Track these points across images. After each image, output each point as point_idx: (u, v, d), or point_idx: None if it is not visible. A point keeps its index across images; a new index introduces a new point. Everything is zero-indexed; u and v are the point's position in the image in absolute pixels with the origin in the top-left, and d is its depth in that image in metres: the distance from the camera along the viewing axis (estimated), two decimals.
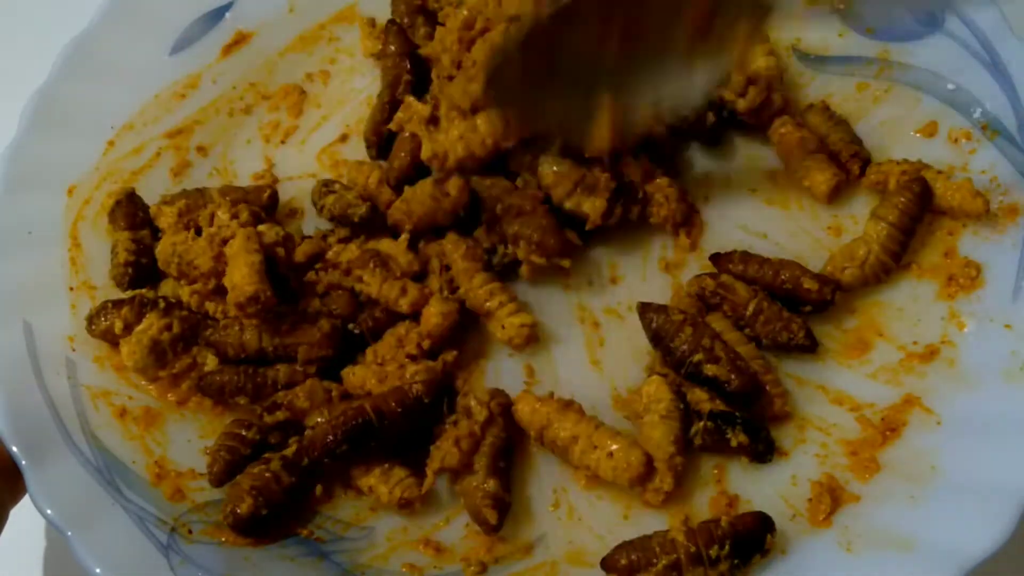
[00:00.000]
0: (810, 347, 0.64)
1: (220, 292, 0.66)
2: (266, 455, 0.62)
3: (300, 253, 0.68)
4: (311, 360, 0.65)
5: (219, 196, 0.70)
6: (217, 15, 0.79)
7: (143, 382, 0.66)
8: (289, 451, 0.62)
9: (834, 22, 0.76)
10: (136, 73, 0.76)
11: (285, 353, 0.65)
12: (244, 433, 0.62)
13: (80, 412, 0.63)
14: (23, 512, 0.59)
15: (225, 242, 0.66)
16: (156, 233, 0.70)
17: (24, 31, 0.92)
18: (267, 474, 0.60)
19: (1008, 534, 0.54)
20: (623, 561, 0.57)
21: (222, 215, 0.68)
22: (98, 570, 0.56)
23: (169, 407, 0.66)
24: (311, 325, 0.65)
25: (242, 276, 0.63)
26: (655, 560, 0.56)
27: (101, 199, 0.72)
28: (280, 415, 0.63)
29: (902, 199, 0.66)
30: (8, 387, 0.61)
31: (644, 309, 0.64)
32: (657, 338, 0.63)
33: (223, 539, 0.60)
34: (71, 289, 0.68)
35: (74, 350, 0.66)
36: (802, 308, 0.65)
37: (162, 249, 0.68)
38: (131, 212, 0.70)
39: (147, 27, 0.77)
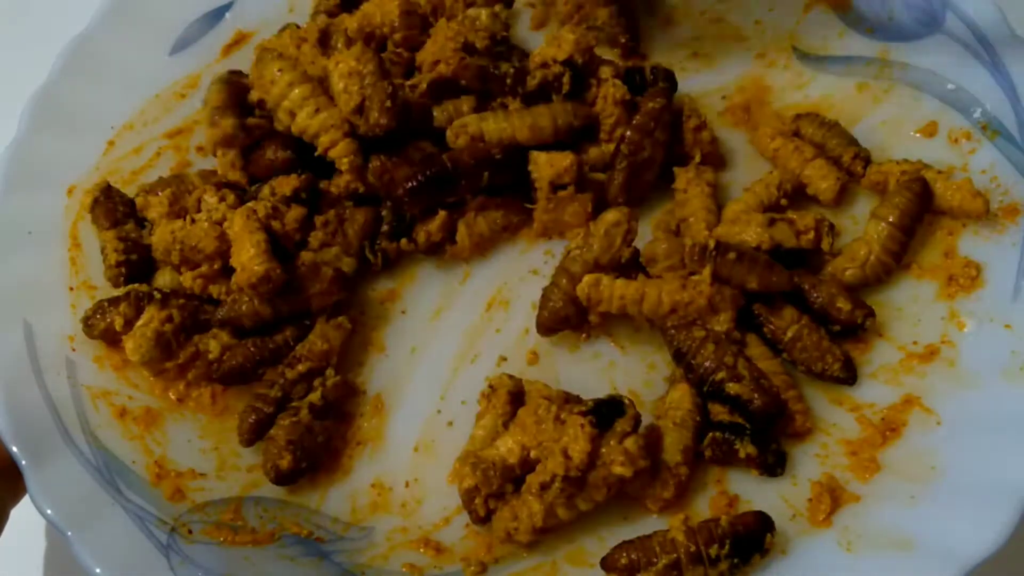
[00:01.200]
0: (847, 380, 0.64)
1: (224, 273, 0.67)
2: (293, 404, 0.64)
3: (291, 220, 0.68)
4: (326, 308, 0.67)
5: (200, 181, 0.71)
6: (217, 15, 0.79)
7: (145, 376, 0.66)
8: (315, 396, 0.64)
9: (834, 22, 0.76)
10: (136, 73, 0.76)
11: (300, 309, 0.66)
12: (267, 392, 0.64)
13: (80, 412, 0.63)
14: (23, 512, 0.59)
15: (219, 224, 0.67)
16: (142, 224, 0.70)
17: (24, 31, 0.92)
18: (299, 425, 0.62)
19: (1008, 534, 0.54)
20: (623, 560, 0.57)
21: (209, 199, 0.68)
22: (98, 570, 0.56)
23: (170, 407, 0.66)
24: (315, 276, 0.66)
25: (250, 257, 0.64)
26: (655, 559, 0.56)
27: None
28: (302, 367, 0.65)
29: (902, 199, 0.66)
30: (8, 387, 0.61)
31: (666, 326, 0.63)
32: (679, 355, 0.63)
33: (223, 539, 0.60)
34: (71, 289, 0.68)
35: (74, 350, 0.66)
36: (831, 327, 0.65)
37: (160, 238, 0.68)
38: (111, 208, 0.70)
39: (147, 27, 0.77)
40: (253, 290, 0.64)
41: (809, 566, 0.57)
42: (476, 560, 0.60)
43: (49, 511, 0.57)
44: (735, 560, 0.56)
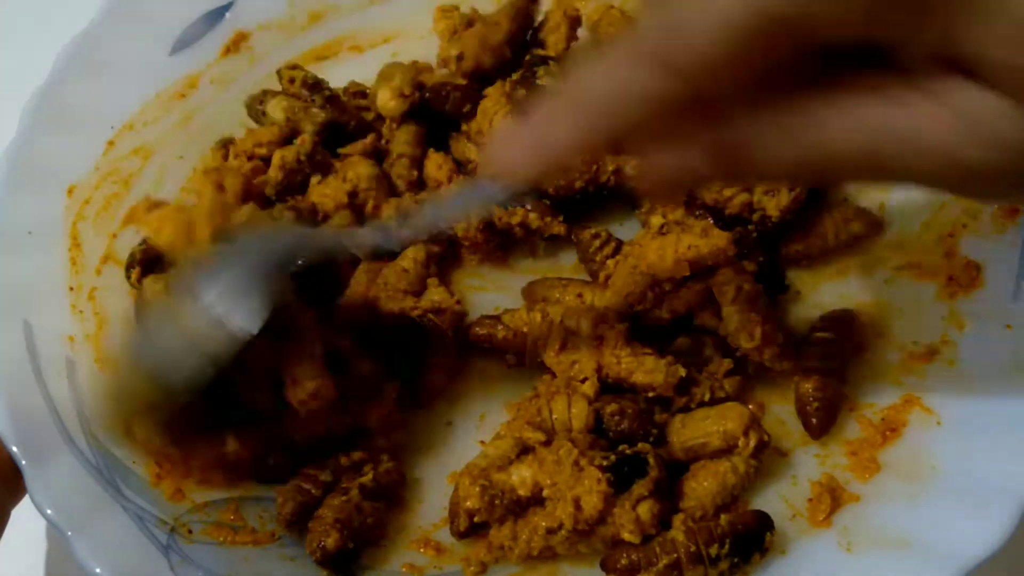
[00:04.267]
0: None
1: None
2: (343, 484, 0.61)
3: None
4: (384, 431, 0.64)
5: None
6: (217, 15, 0.79)
7: None
8: (366, 479, 0.61)
9: None
10: (136, 73, 0.76)
11: (355, 429, 0.63)
12: (317, 474, 0.61)
13: (80, 412, 0.63)
14: (23, 512, 0.59)
15: None
16: None
17: (24, 31, 0.92)
18: (349, 504, 0.59)
19: (1008, 534, 0.54)
20: (623, 561, 0.57)
21: None
22: (98, 570, 0.55)
23: None
24: (375, 391, 0.63)
25: (302, 370, 0.59)
26: (655, 560, 0.56)
27: (101, 199, 0.72)
28: (356, 456, 0.62)
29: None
30: (8, 387, 0.61)
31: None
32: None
33: (223, 539, 0.60)
34: (71, 289, 0.68)
35: (74, 350, 0.66)
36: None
37: None
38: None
39: (147, 27, 0.77)
40: (302, 406, 0.59)
41: (809, 566, 0.57)
42: (476, 560, 0.60)
43: (49, 511, 0.57)
44: (735, 559, 0.56)
